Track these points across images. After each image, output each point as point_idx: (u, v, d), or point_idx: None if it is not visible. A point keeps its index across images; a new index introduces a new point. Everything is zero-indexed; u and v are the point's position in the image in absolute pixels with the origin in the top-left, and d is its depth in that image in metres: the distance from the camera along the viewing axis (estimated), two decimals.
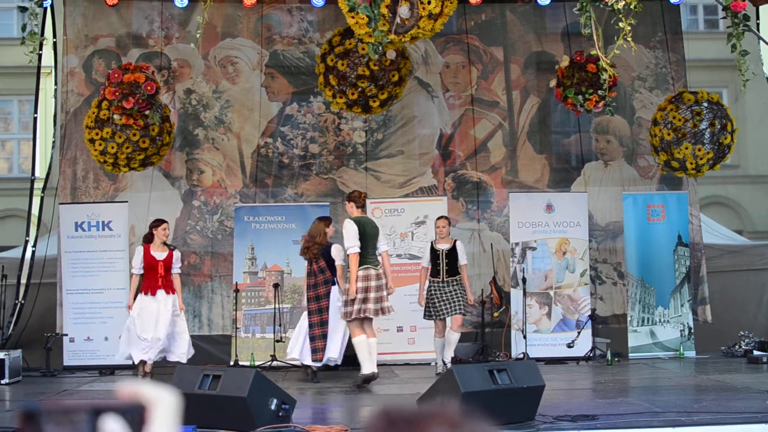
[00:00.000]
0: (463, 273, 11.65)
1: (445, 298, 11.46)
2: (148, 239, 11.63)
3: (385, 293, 10.41)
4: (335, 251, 11.15)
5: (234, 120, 14.17)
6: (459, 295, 11.48)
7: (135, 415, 1.16)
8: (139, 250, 11.61)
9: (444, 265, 11.61)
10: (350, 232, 10.38)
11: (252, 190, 14.06)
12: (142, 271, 11.48)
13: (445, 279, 11.56)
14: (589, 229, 13.56)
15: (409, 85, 12.99)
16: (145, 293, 11.42)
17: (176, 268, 11.62)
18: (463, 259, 11.68)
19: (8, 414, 8.79)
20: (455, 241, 11.85)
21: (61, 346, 12.68)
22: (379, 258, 10.58)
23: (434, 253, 11.70)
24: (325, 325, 11.10)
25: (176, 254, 11.69)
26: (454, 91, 14.45)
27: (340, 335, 11.10)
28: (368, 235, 10.47)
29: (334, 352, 11.10)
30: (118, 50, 14.11)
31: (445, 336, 11.52)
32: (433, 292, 11.56)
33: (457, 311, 11.39)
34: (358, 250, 10.32)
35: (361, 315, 10.30)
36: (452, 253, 11.66)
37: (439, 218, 11.98)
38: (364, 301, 10.29)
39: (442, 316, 11.49)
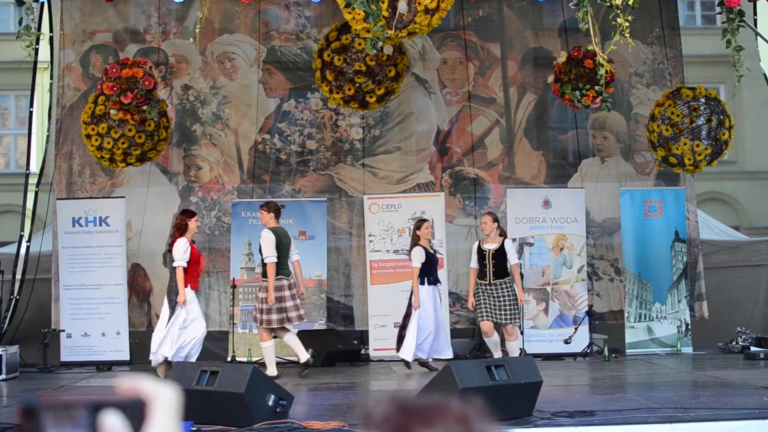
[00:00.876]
0: (514, 273, 11.37)
1: (494, 303, 11.27)
2: (182, 230, 10.66)
3: (298, 302, 10.81)
4: (413, 254, 11.35)
5: (231, 116, 14.15)
6: (509, 301, 11.26)
7: (135, 410, 1.15)
8: (185, 242, 10.58)
9: (491, 266, 11.28)
10: (269, 242, 10.74)
11: (249, 186, 14.05)
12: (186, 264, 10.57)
13: (492, 281, 11.27)
14: (586, 226, 13.56)
15: (406, 81, 12.98)
16: (191, 288, 10.68)
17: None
18: (513, 258, 11.35)
19: (6, 410, 8.77)
20: (504, 239, 11.50)
21: (58, 341, 12.67)
22: (291, 267, 10.95)
23: (481, 253, 11.41)
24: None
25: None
26: (451, 88, 14.44)
27: (413, 336, 11.18)
28: (283, 245, 10.83)
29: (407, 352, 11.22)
30: (116, 45, 14.09)
31: (494, 336, 11.44)
32: (479, 294, 11.36)
33: (507, 321, 11.25)
34: (275, 260, 10.70)
35: (285, 325, 10.73)
36: (500, 253, 11.31)
37: (484, 214, 11.84)
38: (284, 310, 10.68)
39: (492, 319, 11.30)
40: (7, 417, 7.62)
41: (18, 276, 13.52)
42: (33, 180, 14.59)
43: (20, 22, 11.16)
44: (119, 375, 11.90)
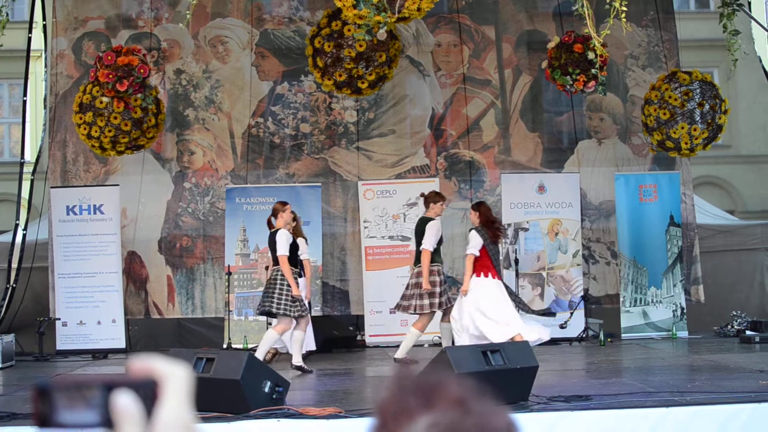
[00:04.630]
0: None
1: None
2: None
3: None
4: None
5: (224, 100, 14.10)
6: None
7: (147, 390, 1.15)
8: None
9: None
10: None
11: (243, 171, 14.00)
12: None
13: None
14: (583, 208, 13.56)
15: (400, 64, 12.94)
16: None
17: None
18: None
19: (2, 399, 8.75)
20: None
21: (53, 330, 12.64)
22: None
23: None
24: None
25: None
26: (445, 70, 14.39)
27: None
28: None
29: None
30: (108, 32, 14.03)
31: None
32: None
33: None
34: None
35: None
36: None
37: None
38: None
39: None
40: (4, 406, 7.59)
41: (14, 265, 13.50)
42: (28, 169, 14.54)
43: None
44: (116, 362, 11.91)
